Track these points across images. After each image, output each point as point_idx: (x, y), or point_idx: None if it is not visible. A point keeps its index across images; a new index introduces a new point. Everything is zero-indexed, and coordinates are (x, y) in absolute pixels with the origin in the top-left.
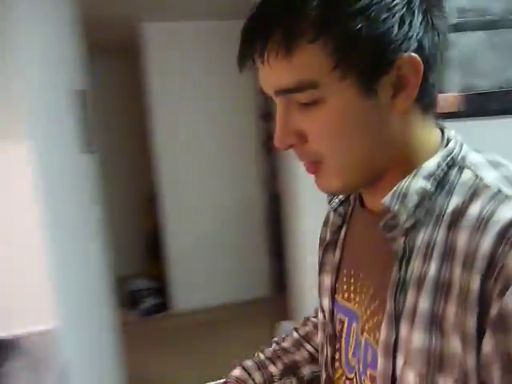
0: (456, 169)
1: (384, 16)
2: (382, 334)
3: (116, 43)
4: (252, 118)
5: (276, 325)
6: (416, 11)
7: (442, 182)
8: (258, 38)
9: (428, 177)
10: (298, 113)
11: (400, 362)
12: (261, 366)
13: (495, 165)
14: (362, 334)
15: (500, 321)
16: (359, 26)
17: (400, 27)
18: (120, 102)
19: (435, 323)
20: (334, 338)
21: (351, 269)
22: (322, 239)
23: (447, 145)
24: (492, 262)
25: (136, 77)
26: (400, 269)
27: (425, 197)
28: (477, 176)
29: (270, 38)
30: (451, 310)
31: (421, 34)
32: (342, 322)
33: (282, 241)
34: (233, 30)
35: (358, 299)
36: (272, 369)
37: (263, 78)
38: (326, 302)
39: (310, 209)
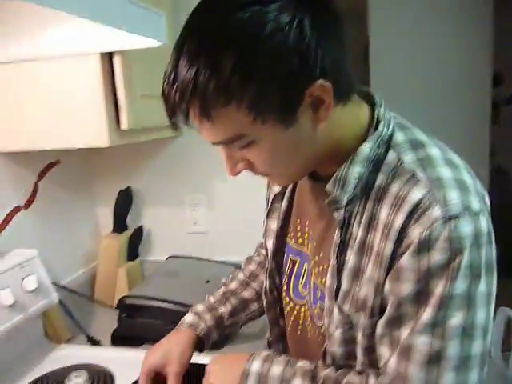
0: (384, 149)
1: (285, 62)
2: (328, 281)
3: None
4: (483, 80)
5: (498, 310)
6: (310, 42)
7: (373, 162)
8: (180, 113)
9: (363, 162)
10: (239, 150)
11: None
12: (211, 308)
13: (415, 146)
14: (311, 275)
15: (397, 272)
16: (265, 80)
17: (301, 65)
18: None
19: (358, 275)
20: (275, 272)
21: (298, 218)
22: (268, 194)
23: (377, 126)
24: (402, 232)
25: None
26: (341, 233)
27: (361, 178)
28: (399, 159)
29: (189, 112)
30: (370, 267)
31: (320, 59)
32: (294, 262)
33: (502, 220)
34: None
35: (308, 245)
36: (221, 309)
37: (199, 132)
38: (271, 243)
39: None
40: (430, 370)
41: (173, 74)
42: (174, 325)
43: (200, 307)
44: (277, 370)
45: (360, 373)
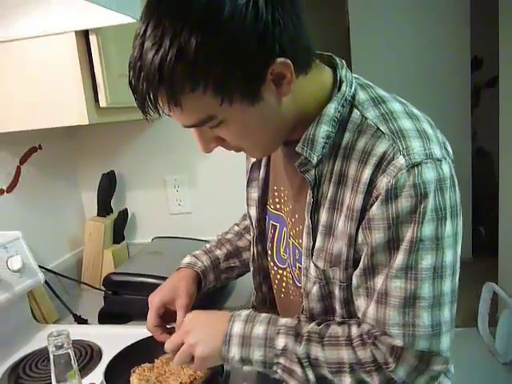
0: (348, 108)
1: (244, 43)
2: (304, 241)
3: None
4: (463, 65)
5: (484, 286)
6: (267, 21)
7: (338, 121)
8: (148, 103)
9: (329, 121)
10: (210, 129)
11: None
12: (207, 251)
13: (377, 102)
14: (290, 238)
15: (368, 222)
16: (228, 62)
17: (260, 45)
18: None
19: (330, 232)
20: (258, 240)
21: (275, 184)
22: (247, 166)
23: (340, 87)
24: (370, 184)
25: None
26: (313, 193)
27: (329, 137)
28: (363, 116)
29: (158, 101)
30: (341, 222)
31: (278, 37)
32: (275, 227)
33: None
34: None
35: (285, 210)
36: (217, 252)
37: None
38: (254, 211)
39: None
40: (407, 311)
41: (138, 64)
42: None
43: (197, 251)
44: (260, 329)
45: (340, 323)
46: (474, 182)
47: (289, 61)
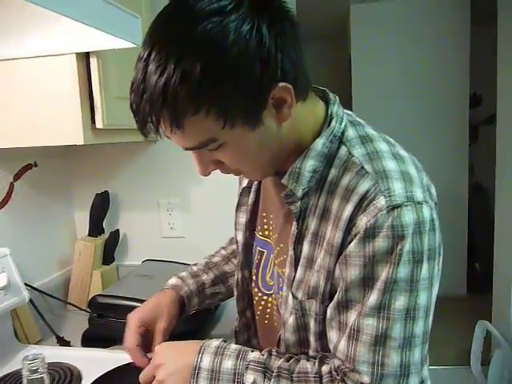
0: (336, 144)
1: (248, 68)
2: (287, 271)
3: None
4: (461, 101)
5: (477, 324)
6: (270, 47)
7: (326, 157)
8: (149, 126)
9: (316, 156)
10: (209, 151)
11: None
12: (194, 275)
13: (364, 141)
14: (275, 266)
15: (345, 258)
16: (231, 87)
17: (263, 70)
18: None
19: (310, 264)
20: (245, 265)
21: (264, 211)
22: (239, 190)
23: (330, 122)
24: (350, 222)
25: (339, 64)
26: (298, 225)
27: (316, 172)
28: (349, 153)
29: (160, 123)
30: (321, 255)
31: (280, 63)
32: (262, 253)
33: (482, 237)
34: (442, 4)
35: (273, 237)
36: (204, 277)
37: (170, 139)
38: (240, 236)
39: None
40: (377, 350)
41: (141, 86)
42: None
43: (184, 273)
44: (228, 363)
45: (309, 359)
46: (470, 216)
47: (290, 85)
